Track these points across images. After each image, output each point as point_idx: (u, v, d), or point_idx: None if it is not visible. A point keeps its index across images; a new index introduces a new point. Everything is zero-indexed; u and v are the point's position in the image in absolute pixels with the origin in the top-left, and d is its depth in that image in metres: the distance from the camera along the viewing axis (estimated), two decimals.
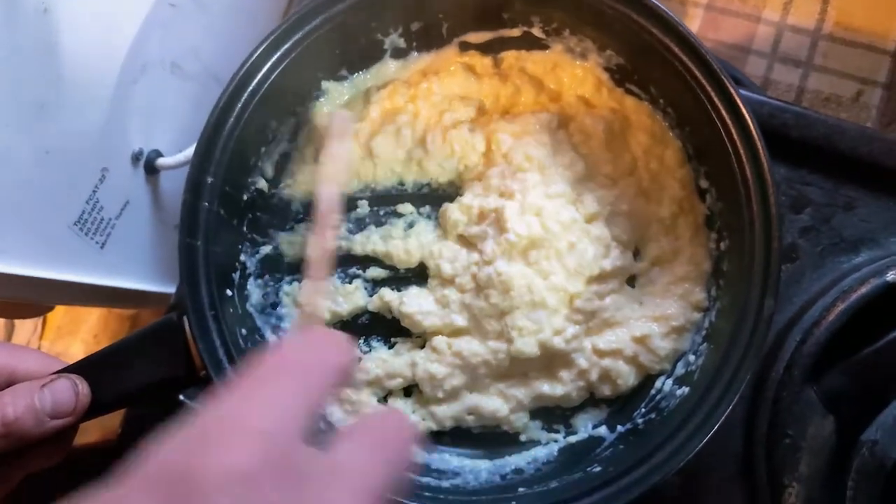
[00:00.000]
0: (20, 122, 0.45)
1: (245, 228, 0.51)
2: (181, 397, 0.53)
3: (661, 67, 0.45)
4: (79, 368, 0.43)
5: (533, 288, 0.47)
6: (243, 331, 0.48)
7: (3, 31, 0.42)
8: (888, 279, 0.45)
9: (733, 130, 0.42)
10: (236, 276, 0.50)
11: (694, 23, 0.70)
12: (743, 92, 0.50)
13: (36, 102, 0.45)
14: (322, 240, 0.39)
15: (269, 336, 0.51)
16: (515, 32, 0.52)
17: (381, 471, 0.25)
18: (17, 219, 0.46)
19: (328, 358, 0.27)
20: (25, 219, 0.47)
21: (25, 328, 0.72)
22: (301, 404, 0.25)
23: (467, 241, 0.50)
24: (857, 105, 0.67)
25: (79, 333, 0.73)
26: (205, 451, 0.22)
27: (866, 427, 0.44)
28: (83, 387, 0.42)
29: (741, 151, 0.42)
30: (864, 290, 0.46)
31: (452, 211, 0.50)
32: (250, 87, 0.48)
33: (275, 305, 0.53)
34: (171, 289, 0.61)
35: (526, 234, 0.48)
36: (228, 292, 0.48)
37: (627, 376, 0.47)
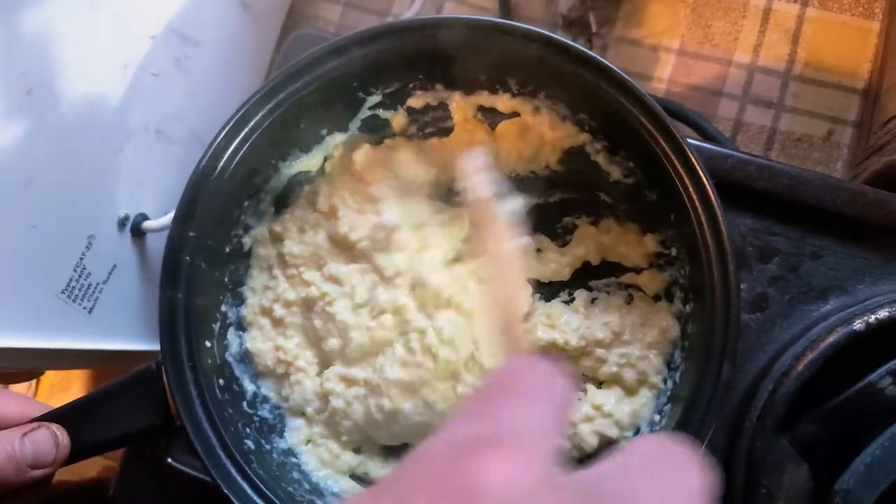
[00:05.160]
0: (7, 201, 0.46)
1: (227, 280, 0.52)
2: (169, 460, 0.54)
3: (627, 131, 0.46)
4: (58, 416, 0.44)
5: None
6: (221, 381, 0.49)
7: None
8: (855, 328, 0.46)
9: (694, 196, 0.43)
10: (216, 326, 0.51)
11: (666, 68, 0.71)
12: (707, 145, 0.52)
13: (21, 181, 0.47)
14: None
15: (248, 385, 0.52)
16: (495, 99, 0.53)
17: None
18: (4, 292, 0.48)
19: (558, 386, 0.24)
20: (13, 292, 0.48)
21: (19, 386, 0.73)
22: (555, 424, 0.22)
23: None
24: (828, 144, 0.68)
25: (71, 391, 0.74)
26: (480, 461, 0.19)
27: (841, 474, 0.45)
28: (63, 437, 0.43)
29: (702, 217, 0.43)
30: (832, 339, 0.46)
31: None
32: (232, 146, 0.49)
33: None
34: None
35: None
36: (207, 343, 0.49)
37: (590, 438, 0.48)
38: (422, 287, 0.50)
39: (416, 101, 0.53)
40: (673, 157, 0.43)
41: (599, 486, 0.21)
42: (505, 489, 0.18)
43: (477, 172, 0.39)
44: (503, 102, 0.52)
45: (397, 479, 0.20)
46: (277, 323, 0.52)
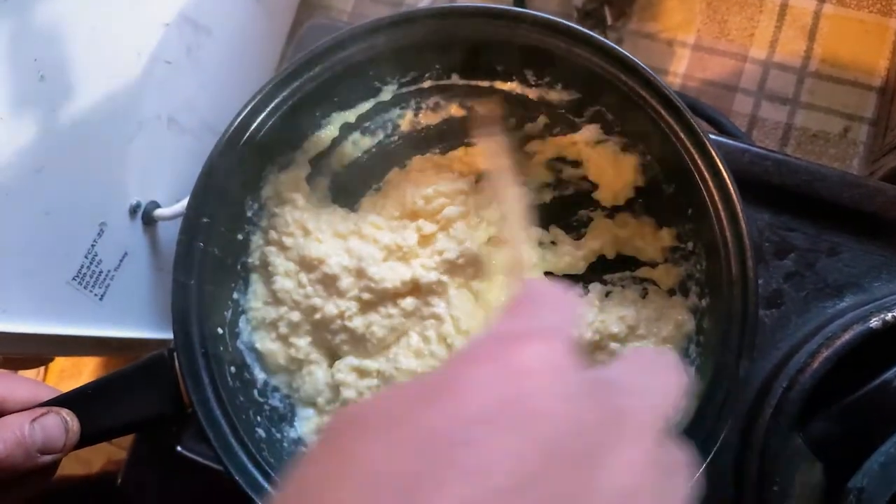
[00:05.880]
0: (19, 187, 0.46)
1: (239, 267, 0.52)
2: (179, 448, 0.54)
3: (645, 124, 0.46)
4: (68, 401, 0.44)
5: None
6: (232, 368, 0.49)
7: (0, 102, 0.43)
8: (871, 326, 0.46)
9: (714, 191, 0.42)
10: (228, 313, 0.50)
11: (681, 63, 0.71)
12: (724, 140, 0.52)
13: (33, 167, 0.47)
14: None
15: (258, 374, 0.51)
16: (509, 85, 0.52)
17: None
18: (16, 278, 0.47)
19: (568, 297, 0.28)
20: (24, 277, 0.48)
21: (28, 372, 0.73)
22: (571, 324, 0.27)
23: None
24: (844, 141, 0.68)
25: (81, 376, 0.74)
26: (521, 349, 0.23)
27: (854, 473, 0.45)
28: (73, 422, 0.42)
29: (721, 212, 0.42)
30: (847, 336, 0.46)
31: None
32: (247, 134, 0.48)
33: None
34: (171, 335, 0.62)
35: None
36: (219, 330, 0.49)
37: None
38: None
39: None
40: (693, 151, 0.42)
41: (608, 375, 0.26)
42: (542, 367, 0.23)
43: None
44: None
45: (450, 368, 0.23)
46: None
